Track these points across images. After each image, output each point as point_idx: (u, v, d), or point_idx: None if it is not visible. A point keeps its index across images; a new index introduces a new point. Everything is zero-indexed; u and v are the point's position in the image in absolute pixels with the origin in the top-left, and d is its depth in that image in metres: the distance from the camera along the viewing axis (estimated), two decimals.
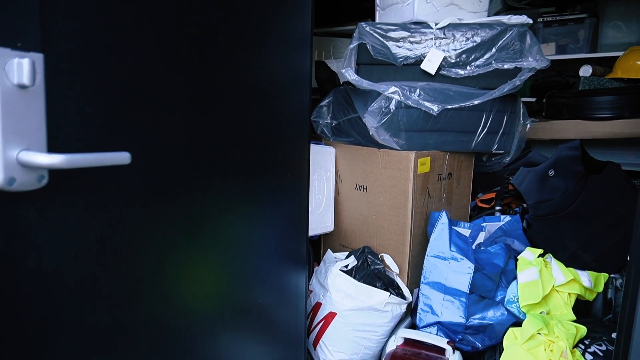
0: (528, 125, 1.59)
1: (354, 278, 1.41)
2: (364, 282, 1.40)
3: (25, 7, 0.60)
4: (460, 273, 1.33)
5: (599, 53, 2.07)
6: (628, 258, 0.91)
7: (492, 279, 1.34)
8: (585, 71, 1.96)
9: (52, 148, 0.64)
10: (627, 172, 1.67)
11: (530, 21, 1.47)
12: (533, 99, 2.24)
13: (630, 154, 1.83)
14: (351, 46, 1.45)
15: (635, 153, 1.82)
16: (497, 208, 1.70)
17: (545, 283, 1.30)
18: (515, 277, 1.35)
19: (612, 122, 1.73)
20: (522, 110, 1.59)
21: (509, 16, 1.47)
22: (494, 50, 1.44)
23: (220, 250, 1.00)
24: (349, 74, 1.42)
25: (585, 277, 1.35)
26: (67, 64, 0.67)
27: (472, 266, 1.31)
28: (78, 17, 0.67)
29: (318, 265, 1.60)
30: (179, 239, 0.90)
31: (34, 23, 0.61)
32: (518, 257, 1.37)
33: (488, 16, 1.55)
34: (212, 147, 0.93)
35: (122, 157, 0.67)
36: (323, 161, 1.60)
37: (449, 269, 1.34)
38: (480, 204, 1.73)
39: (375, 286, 1.39)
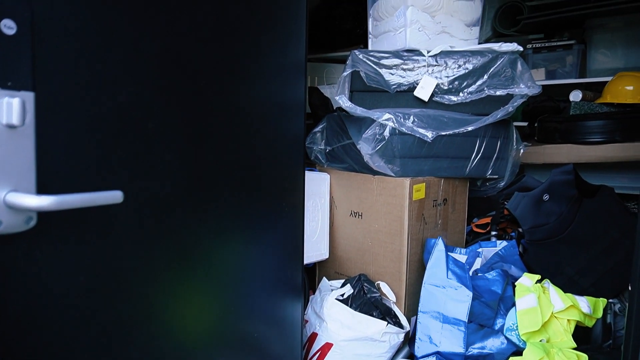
0: (521, 150, 1.60)
1: (350, 307, 1.38)
2: (360, 311, 1.37)
3: (17, 45, 0.59)
4: (458, 301, 1.31)
5: (587, 78, 2.10)
6: (629, 287, 0.90)
7: (490, 306, 1.32)
8: (576, 96, 1.99)
9: (41, 187, 0.62)
10: (621, 195, 1.68)
11: (521, 49, 1.49)
12: (525, 124, 2.26)
13: (622, 178, 1.84)
14: (345, 73, 1.46)
15: (628, 176, 1.83)
16: (493, 233, 1.69)
17: (544, 310, 1.28)
18: (513, 304, 1.33)
19: (604, 146, 1.74)
20: (515, 135, 1.60)
21: (499, 44, 1.49)
22: (485, 77, 1.45)
23: (214, 282, 0.98)
24: (343, 101, 1.42)
25: (584, 303, 1.33)
26: (59, 102, 0.65)
27: (470, 294, 1.30)
28: (70, 54, 0.67)
29: (313, 293, 1.57)
30: (172, 273, 0.87)
31: (26, 61, 0.60)
32: (516, 284, 1.35)
33: (479, 43, 1.57)
34: (206, 177, 0.92)
35: (114, 196, 0.65)
36: (317, 188, 1.59)
37: (447, 297, 1.32)
38: (475, 229, 1.72)
39: (372, 315, 1.36)
